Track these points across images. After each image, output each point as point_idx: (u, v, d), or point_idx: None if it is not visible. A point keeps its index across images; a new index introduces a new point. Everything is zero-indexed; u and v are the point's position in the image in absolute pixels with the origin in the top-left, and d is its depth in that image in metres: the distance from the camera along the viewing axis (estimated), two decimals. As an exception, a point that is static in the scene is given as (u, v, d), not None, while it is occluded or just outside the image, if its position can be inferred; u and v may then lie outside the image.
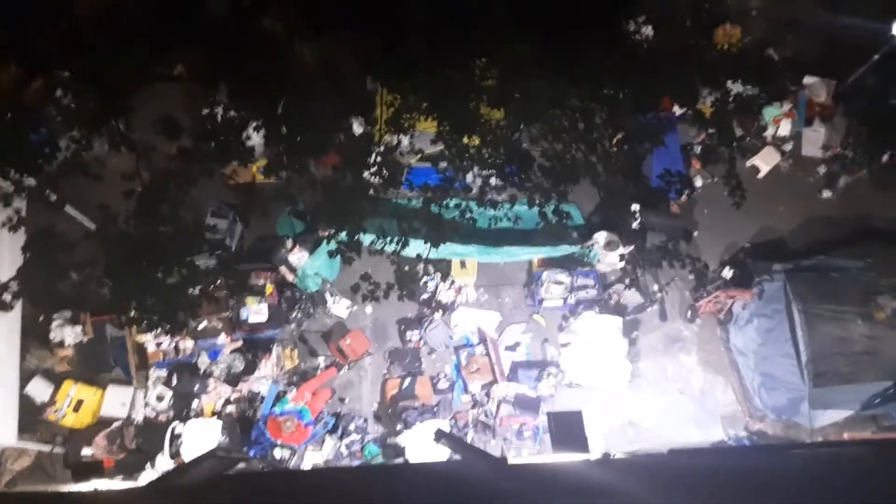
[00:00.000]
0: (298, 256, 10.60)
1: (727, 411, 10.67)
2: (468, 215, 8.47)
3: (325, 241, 8.97)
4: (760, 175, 11.88)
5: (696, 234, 11.43)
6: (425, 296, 10.96)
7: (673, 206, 11.45)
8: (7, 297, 7.04)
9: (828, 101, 12.12)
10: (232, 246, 10.82)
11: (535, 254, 10.99)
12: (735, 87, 10.21)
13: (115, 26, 7.20)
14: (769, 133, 12.02)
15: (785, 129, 11.96)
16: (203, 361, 10.48)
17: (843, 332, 9.94)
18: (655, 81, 7.58)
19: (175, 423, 10.03)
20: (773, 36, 12.55)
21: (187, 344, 10.50)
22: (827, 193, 11.83)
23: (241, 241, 11.08)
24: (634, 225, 10.84)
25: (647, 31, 8.84)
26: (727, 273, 10.71)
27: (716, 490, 3.90)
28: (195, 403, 10.31)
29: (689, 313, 11.12)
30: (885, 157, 11.72)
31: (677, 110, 11.15)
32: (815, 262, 10.59)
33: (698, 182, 11.71)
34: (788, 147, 12.06)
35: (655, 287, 11.04)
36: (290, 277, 10.71)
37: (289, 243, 10.52)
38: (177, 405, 10.27)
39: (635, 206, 10.80)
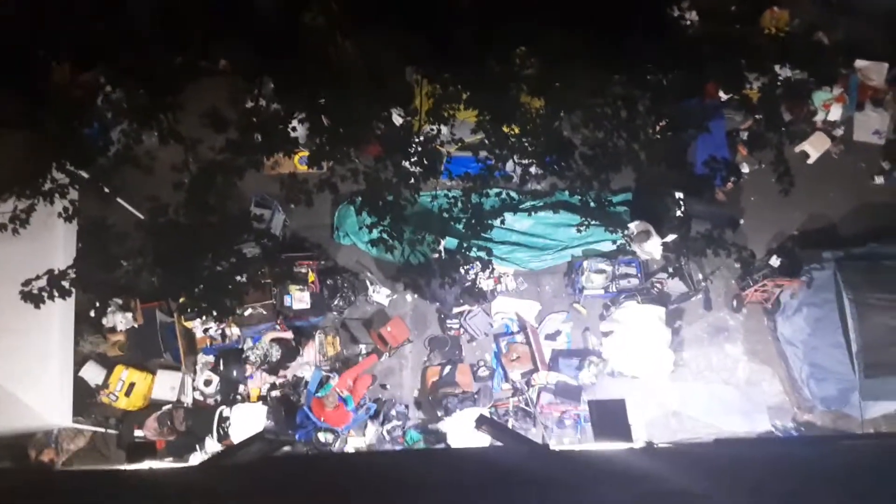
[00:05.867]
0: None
1: (774, 402, 10.47)
2: (508, 203, 8.46)
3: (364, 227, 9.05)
4: (810, 161, 11.54)
5: (742, 221, 11.20)
6: (466, 284, 11.01)
7: (718, 193, 11.21)
8: (65, 284, 7.25)
9: (881, 85, 11.71)
10: (276, 235, 11.03)
11: (577, 249, 10.98)
12: (783, 72, 9.92)
13: (163, 22, 7.31)
14: (819, 118, 11.62)
15: (835, 113, 11.54)
16: (248, 347, 10.70)
17: (896, 322, 9.63)
18: (700, 67, 7.41)
19: (222, 406, 10.30)
20: (822, 19, 12.13)
21: (233, 331, 10.73)
22: (879, 180, 11.44)
23: (284, 231, 11.27)
24: (678, 213, 10.67)
25: (692, 16, 8.64)
26: (775, 261, 10.49)
27: (765, 478, 3.85)
28: (241, 388, 10.57)
29: (734, 303, 10.91)
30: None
31: (723, 96, 10.92)
32: (866, 250, 10.24)
33: (745, 169, 11.44)
34: (839, 132, 11.66)
35: (700, 276, 10.83)
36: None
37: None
38: (224, 390, 10.55)
39: (679, 194, 10.63)
